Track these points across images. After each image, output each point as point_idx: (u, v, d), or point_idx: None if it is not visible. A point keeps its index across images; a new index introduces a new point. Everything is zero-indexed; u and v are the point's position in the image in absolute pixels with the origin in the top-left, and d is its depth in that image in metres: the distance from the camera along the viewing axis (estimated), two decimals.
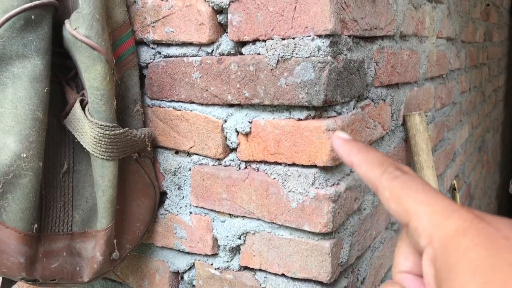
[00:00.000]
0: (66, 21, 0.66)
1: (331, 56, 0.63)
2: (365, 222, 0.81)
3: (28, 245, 0.65)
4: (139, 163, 0.74)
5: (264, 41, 0.67)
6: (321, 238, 0.69)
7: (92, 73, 0.64)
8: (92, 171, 0.69)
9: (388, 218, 0.94)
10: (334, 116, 0.67)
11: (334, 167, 0.69)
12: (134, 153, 0.72)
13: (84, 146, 0.68)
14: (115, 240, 0.72)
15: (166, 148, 0.79)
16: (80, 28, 0.64)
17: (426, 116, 1.15)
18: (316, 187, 0.67)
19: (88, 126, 0.66)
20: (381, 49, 0.82)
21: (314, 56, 0.63)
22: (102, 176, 0.68)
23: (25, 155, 0.63)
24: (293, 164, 0.68)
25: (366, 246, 0.83)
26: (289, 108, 0.67)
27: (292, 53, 0.64)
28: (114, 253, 0.72)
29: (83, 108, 0.67)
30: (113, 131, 0.66)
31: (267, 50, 0.66)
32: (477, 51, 1.93)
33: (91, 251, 0.72)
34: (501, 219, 0.29)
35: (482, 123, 2.31)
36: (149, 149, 0.75)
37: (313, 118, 0.66)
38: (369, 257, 0.85)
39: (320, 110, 0.66)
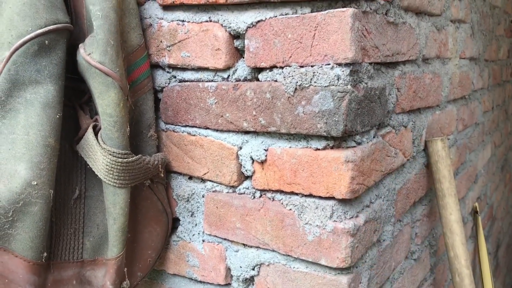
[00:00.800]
0: (80, 46, 0.65)
1: (351, 85, 0.61)
2: (385, 253, 0.78)
3: (37, 274, 0.64)
4: (152, 189, 0.73)
5: (282, 68, 0.65)
6: (338, 273, 0.66)
7: (106, 99, 0.63)
8: (104, 198, 0.68)
9: (408, 246, 0.90)
10: (354, 147, 0.65)
11: (353, 199, 0.66)
12: (147, 179, 0.70)
13: (96, 173, 0.66)
14: (125, 268, 0.70)
15: (180, 174, 0.77)
16: (94, 53, 0.63)
17: (448, 139, 1.11)
18: (334, 220, 0.64)
19: (100, 153, 0.64)
20: (403, 74, 0.79)
21: (333, 85, 0.60)
22: (114, 203, 0.66)
23: (35, 183, 0.62)
24: (310, 195, 0.66)
25: (385, 278, 0.80)
26: (307, 137, 0.65)
27: (311, 82, 0.62)
28: (125, 282, 0.70)
29: (96, 134, 0.66)
30: (125, 158, 0.64)
31: (284, 77, 0.64)
32: (500, 68, 1.88)
33: (101, 280, 0.70)
34: None
35: (505, 141, 2.25)
36: (162, 175, 0.73)
37: (332, 148, 0.64)
38: None
39: (339, 140, 0.64)
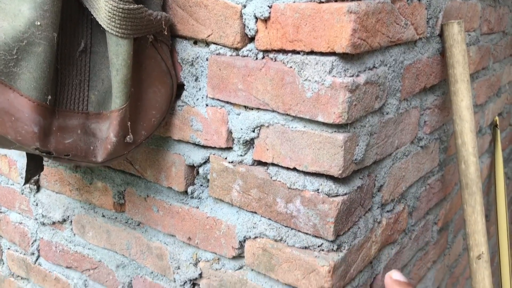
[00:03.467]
0: None
1: None
2: (387, 126, 0.78)
3: (42, 115, 0.66)
4: (156, 48, 0.73)
5: None
6: (335, 131, 0.66)
7: None
8: (108, 50, 0.69)
9: (415, 131, 0.90)
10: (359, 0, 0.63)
11: (354, 56, 0.65)
12: (149, 34, 0.70)
13: (99, 23, 0.67)
14: (129, 123, 0.72)
15: (185, 38, 0.77)
16: None
17: (469, 35, 1.07)
18: (333, 76, 0.64)
19: (102, 0, 0.64)
20: None
21: None
22: (117, 54, 0.67)
23: (39, 23, 0.63)
24: (311, 52, 0.65)
25: (386, 153, 0.80)
26: None
27: None
28: (128, 136, 0.73)
29: None
30: (127, 5, 0.64)
31: None
32: None
33: (105, 132, 0.72)
34: None
35: None
36: (166, 33, 0.73)
37: (336, 0, 0.62)
38: (389, 165, 0.82)
39: None
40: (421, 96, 0.90)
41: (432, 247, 1.13)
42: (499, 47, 1.37)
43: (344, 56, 0.64)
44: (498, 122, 1.46)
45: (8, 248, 1.23)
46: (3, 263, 1.27)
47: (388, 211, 0.86)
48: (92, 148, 0.72)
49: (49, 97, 0.66)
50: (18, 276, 1.23)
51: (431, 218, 1.09)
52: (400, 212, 0.90)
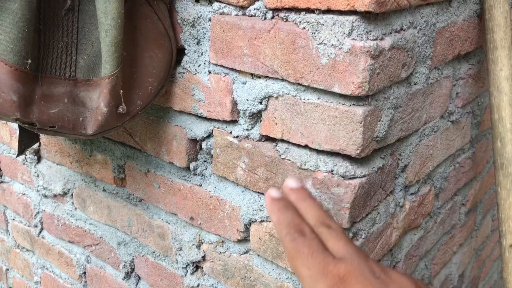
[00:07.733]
0: None
1: None
2: (414, 99, 0.68)
3: (22, 82, 0.59)
4: (152, 6, 0.64)
5: None
6: (353, 104, 0.57)
7: None
8: (96, 7, 0.60)
9: (446, 104, 0.80)
10: None
11: (379, 16, 0.55)
12: None
13: None
14: (121, 91, 0.64)
15: None
16: None
17: None
18: (353, 38, 0.54)
19: None
20: None
21: None
22: (105, 12, 0.59)
23: None
24: (328, 11, 0.56)
25: (413, 129, 0.70)
26: None
27: None
28: (121, 106, 0.65)
29: None
30: None
31: None
32: None
33: (95, 102, 0.65)
34: (360, 284, 0.39)
35: None
36: None
37: None
38: (415, 143, 0.73)
39: None
40: (454, 65, 0.80)
41: (459, 230, 1.04)
42: None
43: (366, 16, 0.54)
44: None
45: (13, 219, 1.19)
46: (9, 234, 1.24)
47: (412, 194, 0.77)
48: (81, 119, 0.65)
49: (29, 61, 0.59)
50: (24, 247, 1.19)
51: (459, 199, 1.00)
52: (426, 194, 0.81)
